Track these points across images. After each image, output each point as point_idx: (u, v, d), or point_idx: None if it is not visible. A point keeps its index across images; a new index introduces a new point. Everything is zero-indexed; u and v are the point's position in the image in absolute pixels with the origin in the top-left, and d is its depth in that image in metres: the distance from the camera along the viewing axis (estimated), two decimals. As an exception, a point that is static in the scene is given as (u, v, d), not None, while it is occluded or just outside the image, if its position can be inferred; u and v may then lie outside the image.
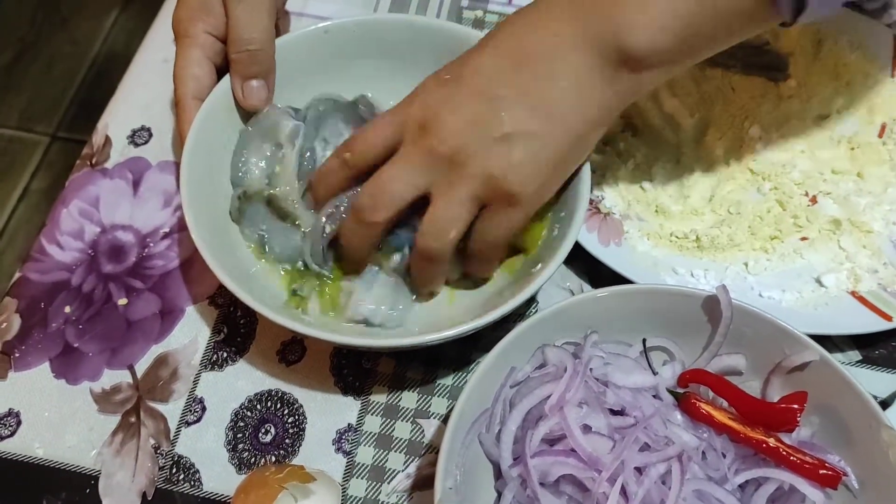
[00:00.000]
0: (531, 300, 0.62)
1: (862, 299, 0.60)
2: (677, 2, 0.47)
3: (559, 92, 0.50)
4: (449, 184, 0.51)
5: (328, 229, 0.57)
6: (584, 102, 0.51)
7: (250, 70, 0.60)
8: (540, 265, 0.55)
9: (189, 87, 0.60)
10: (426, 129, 0.51)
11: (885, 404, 0.58)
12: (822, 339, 0.52)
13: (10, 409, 0.58)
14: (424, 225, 0.53)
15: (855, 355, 0.61)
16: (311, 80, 0.65)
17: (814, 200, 0.65)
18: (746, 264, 0.62)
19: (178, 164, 0.68)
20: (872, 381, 0.59)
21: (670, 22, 0.47)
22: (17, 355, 0.60)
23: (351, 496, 0.55)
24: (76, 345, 0.61)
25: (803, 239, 0.63)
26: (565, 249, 0.54)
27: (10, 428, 0.58)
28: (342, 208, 0.56)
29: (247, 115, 0.62)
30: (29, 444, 0.57)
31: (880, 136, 0.68)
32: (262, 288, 0.58)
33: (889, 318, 0.58)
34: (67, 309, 0.62)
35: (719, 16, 0.47)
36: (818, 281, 0.61)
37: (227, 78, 0.61)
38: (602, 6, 0.49)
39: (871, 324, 0.58)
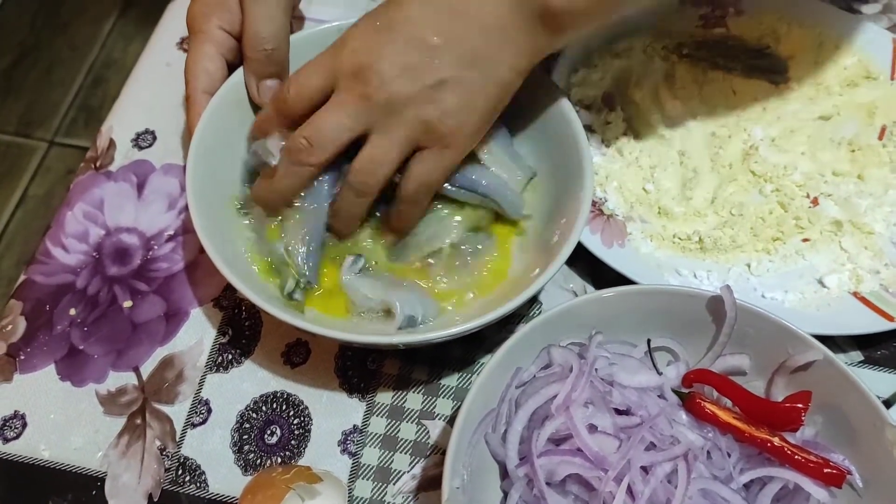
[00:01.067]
0: (533, 301, 0.62)
1: (864, 300, 0.60)
2: None
3: (489, 41, 0.53)
4: (385, 127, 0.53)
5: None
6: (512, 52, 0.53)
7: (267, 70, 0.60)
8: (539, 269, 0.55)
9: (201, 81, 0.60)
10: (360, 75, 0.53)
11: (887, 404, 0.58)
12: (825, 340, 0.52)
13: (15, 412, 0.59)
14: (358, 162, 0.55)
15: (857, 356, 0.61)
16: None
17: (815, 202, 0.65)
18: (749, 265, 0.63)
19: (182, 168, 0.69)
20: (875, 381, 0.60)
21: None
22: (22, 357, 0.60)
23: (357, 497, 0.56)
24: (81, 347, 0.61)
25: (805, 240, 0.64)
26: (566, 252, 0.54)
27: (15, 430, 0.58)
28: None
29: (256, 110, 0.62)
30: (35, 447, 0.57)
31: (880, 138, 0.69)
32: (266, 286, 0.58)
33: (891, 319, 0.59)
34: (72, 311, 0.62)
35: None
36: (820, 282, 0.62)
37: (237, 73, 0.61)
38: None
39: (873, 324, 0.59)
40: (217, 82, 0.60)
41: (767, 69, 0.72)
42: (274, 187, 0.57)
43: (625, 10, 0.55)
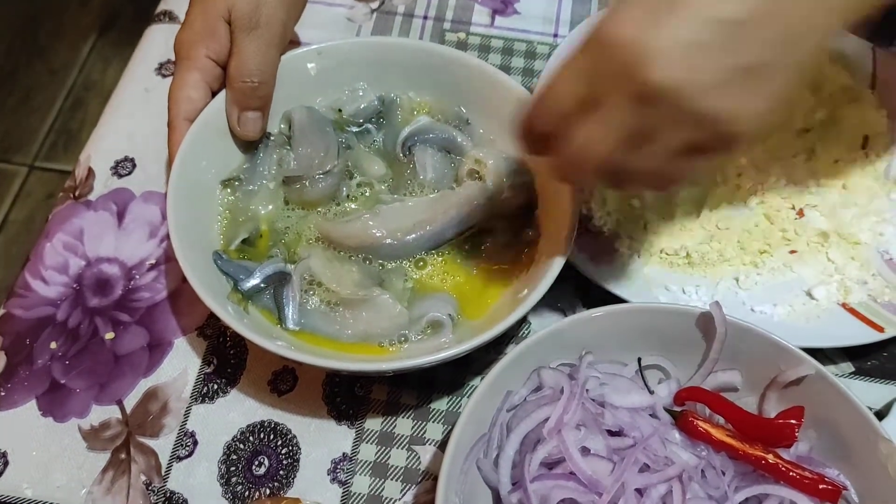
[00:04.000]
0: (523, 322, 0.62)
1: (853, 311, 0.60)
2: None
3: (801, 10, 0.40)
4: (661, 133, 0.42)
5: None
6: (826, 18, 0.41)
7: (250, 103, 0.60)
8: (527, 290, 0.55)
9: (182, 108, 0.59)
10: (634, 71, 0.40)
11: (879, 415, 0.58)
12: (815, 352, 0.52)
13: (-4, 450, 0.57)
14: (634, 173, 0.45)
15: (848, 367, 0.61)
16: (304, 99, 0.65)
17: (801, 213, 0.65)
18: (737, 279, 0.62)
19: (163, 195, 0.68)
20: (866, 393, 0.60)
21: None
22: (2, 394, 0.59)
23: (348, 527, 0.55)
24: (63, 381, 0.60)
25: (792, 252, 0.63)
26: (554, 272, 0.54)
27: (-4, 469, 0.57)
28: None
29: (236, 138, 0.62)
30: (17, 485, 0.56)
31: (863, 147, 0.69)
32: (252, 315, 0.57)
33: (881, 329, 0.58)
34: (53, 345, 0.61)
35: None
36: (809, 294, 0.62)
37: (218, 99, 0.60)
38: None
39: (863, 335, 0.59)
40: (199, 110, 0.60)
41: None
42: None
43: None
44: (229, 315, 0.52)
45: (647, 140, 0.42)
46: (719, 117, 0.41)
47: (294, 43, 0.76)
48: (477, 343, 0.51)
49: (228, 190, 0.62)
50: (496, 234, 0.61)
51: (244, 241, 0.60)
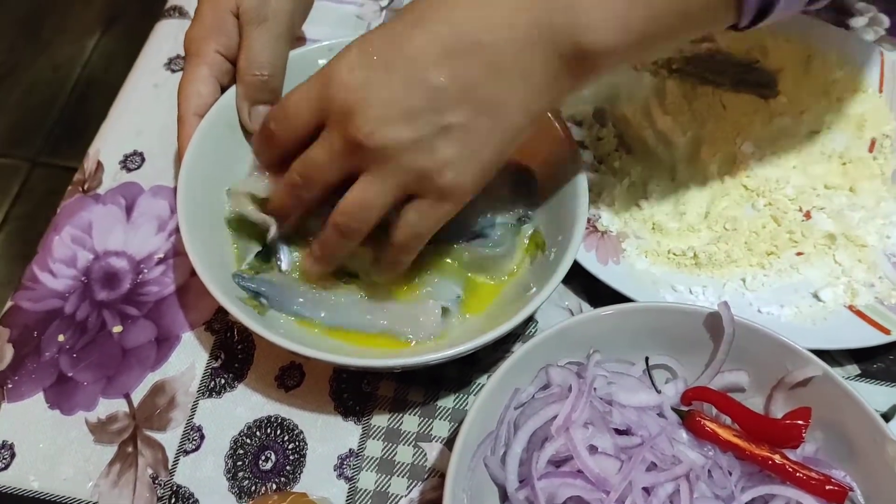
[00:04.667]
0: (530, 320, 0.62)
1: (859, 313, 0.60)
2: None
3: (504, 86, 0.47)
4: (377, 171, 0.49)
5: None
6: (530, 98, 0.48)
7: (260, 95, 0.60)
8: (535, 287, 0.55)
9: (192, 103, 0.59)
10: (351, 116, 0.47)
11: (885, 417, 0.58)
12: (821, 354, 0.52)
13: (3, 442, 0.57)
14: (346, 203, 0.51)
15: (854, 369, 0.61)
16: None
17: (808, 215, 0.65)
18: (744, 280, 0.62)
19: (172, 189, 0.68)
20: (872, 395, 0.60)
21: (629, 19, 0.44)
22: (10, 386, 0.59)
23: (354, 523, 0.55)
24: (70, 374, 0.60)
25: (799, 254, 0.64)
26: (563, 270, 0.54)
27: (4, 461, 0.57)
28: None
29: (247, 132, 0.62)
30: (24, 477, 0.56)
31: (870, 150, 0.69)
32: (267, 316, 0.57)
33: (887, 332, 0.59)
34: (61, 337, 0.61)
35: (680, 15, 0.45)
36: (815, 296, 0.62)
37: (227, 94, 0.60)
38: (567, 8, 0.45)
39: (870, 337, 0.59)
40: (209, 105, 0.60)
41: (756, 83, 0.73)
42: (272, 206, 0.57)
43: (667, 46, 0.48)
44: (237, 308, 0.52)
45: (366, 171, 0.49)
46: (422, 171, 0.48)
47: (300, 40, 0.76)
48: (485, 341, 0.51)
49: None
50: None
51: (258, 255, 0.59)
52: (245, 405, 0.59)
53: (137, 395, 0.59)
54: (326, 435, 0.58)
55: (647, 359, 0.55)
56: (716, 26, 0.48)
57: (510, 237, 0.60)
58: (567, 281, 0.64)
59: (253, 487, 0.56)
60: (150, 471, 0.56)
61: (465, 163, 0.48)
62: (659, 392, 0.54)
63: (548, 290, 0.53)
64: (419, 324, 0.56)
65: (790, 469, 0.49)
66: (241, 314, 0.51)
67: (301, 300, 0.57)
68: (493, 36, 0.46)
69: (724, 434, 0.50)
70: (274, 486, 0.56)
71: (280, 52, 0.60)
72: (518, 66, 0.46)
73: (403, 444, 0.58)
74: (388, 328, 0.57)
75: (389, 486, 0.56)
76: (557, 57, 0.46)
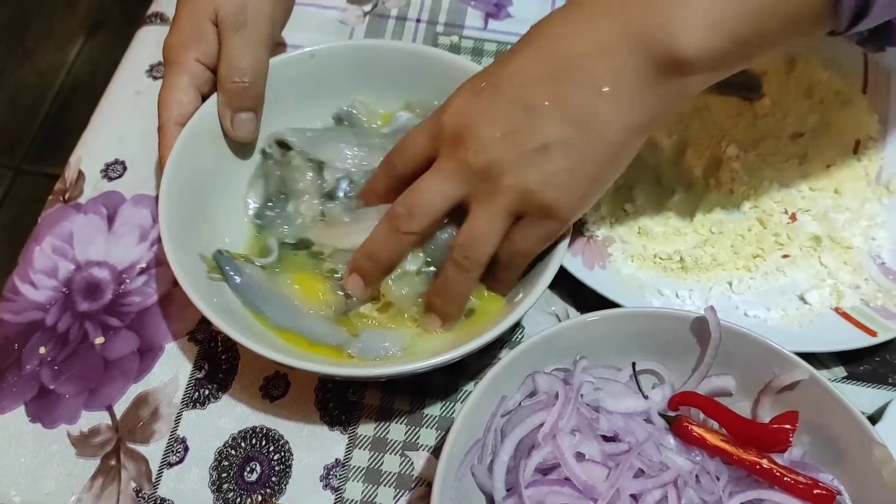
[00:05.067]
0: (516, 326, 0.62)
1: (845, 315, 0.60)
2: (731, 4, 0.43)
3: (599, 99, 0.47)
4: (485, 196, 0.50)
5: None
6: (626, 110, 0.47)
7: (242, 103, 0.60)
8: (522, 293, 0.54)
9: (173, 112, 0.59)
10: (460, 140, 0.50)
11: (872, 420, 0.58)
12: (808, 357, 0.52)
13: (-16, 456, 0.57)
14: (461, 236, 0.52)
15: (840, 371, 0.61)
16: (297, 103, 0.65)
17: (793, 218, 0.65)
18: (730, 283, 0.62)
19: (154, 198, 0.67)
20: (858, 397, 0.60)
21: (724, 20, 0.44)
22: (-10, 399, 0.58)
23: (341, 533, 0.54)
24: (52, 387, 0.59)
25: (785, 256, 0.63)
26: (549, 276, 0.54)
27: (-16, 475, 0.56)
28: None
29: (229, 140, 0.62)
30: (5, 492, 0.55)
31: (855, 152, 0.69)
32: (243, 318, 0.57)
33: (873, 334, 0.59)
34: (42, 350, 0.60)
35: (777, 16, 0.44)
36: (802, 298, 0.62)
37: (209, 102, 0.60)
38: (647, 2, 0.45)
39: (856, 339, 0.59)
40: (190, 114, 0.59)
41: (741, 86, 0.72)
42: (373, 256, 0.55)
43: (766, 52, 0.47)
44: (220, 319, 0.51)
45: (476, 198, 0.51)
46: (525, 189, 0.49)
47: (281, 46, 0.76)
48: (471, 348, 0.51)
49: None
50: None
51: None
52: (229, 416, 0.58)
53: (120, 408, 0.58)
54: (312, 445, 0.57)
55: (633, 364, 0.55)
56: (814, 30, 0.47)
57: None
58: (553, 286, 0.63)
59: (238, 499, 0.55)
60: (133, 484, 0.56)
61: (567, 179, 0.49)
62: (646, 398, 0.53)
63: (534, 296, 0.53)
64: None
65: (778, 473, 0.49)
66: (224, 324, 0.51)
67: (271, 304, 0.57)
68: (582, 49, 0.47)
69: (712, 439, 0.50)
70: (259, 498, 0.55)
71: (260, 58, 0.60)
72: (610, 78, 0.47)
73: (390, 454, 0.57)
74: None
75: (376, 495, 0.56)
76: (651, 65, 0.46)
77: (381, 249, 0.54)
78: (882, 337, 0.58)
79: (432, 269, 0.56)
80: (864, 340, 0.59)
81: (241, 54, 0.58)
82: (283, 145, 0.63)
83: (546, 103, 0.48)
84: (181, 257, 0.54)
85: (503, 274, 0.55)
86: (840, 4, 0.43)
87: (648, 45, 0.45)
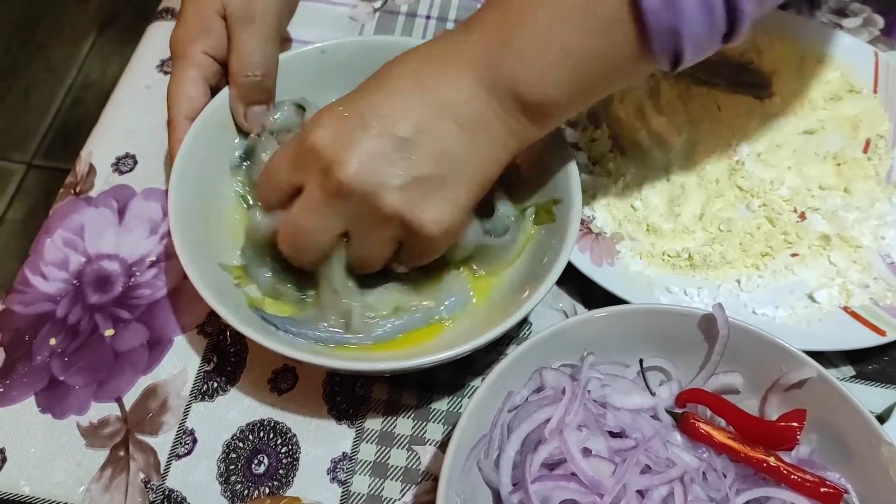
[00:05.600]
0: (524, 322, 0.62)
1: (854, 314, 0.60)
2: (566, 59, 0.47)
3: (466, 136, 0.49)
4: (365, 227, 0.51)
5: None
6: (492, 144, 0.50)
7: (254, 96, 0.60)
8: (529, 290, 0.54)
9: (182, 106, 0.59)
10: (329, 171, 0.48)
11: (881, 419, 0.58)
12: (816, 355, 0.52)
13: (-6, 446, 0.57)
14: (351, 259, 0.53)
15: (848, 371, 0.61)
16: (307, 98, 0.65)
17: (803, 216, 0.65)
18: (739, 281, 0.62)
19: (164, 192, 0.68)
20: (867, 396, 0.60)
21: (555, 75, 0.48)
22: (1, 390, 0.59)
23: (347, 527, 0.54)
24: (62, 378, 0.59)
25: (794, 255, 0.63)
26: (556, 272, 0.53)
27: (-5, 465, 0.56)
28: None
29: (240, 132, 0.62)
30: (15, 482, 0.56)
31: (865, 151, 0.69)
32: (252, 314, 0.57)
33: (882, 333, 0.58)
34: (53, 341, 0.61)
35: (601, 66, 0.48)
36: (810, 297, 0.61)
37: (219, 96, 0.60)
38: (500, 58, 0.48)
39: (865, 339, 0.59)
40: (199, 108, 0.59)
41: (751, 84, 0.72)
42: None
43: (601, 95, 0.52)
44: (229, 313, 0.52)
45: (355, 230, 0.51)
46: (403, 216, 0.49)
47: (287, 41, 0.76)
48: (478, 343, 0.51)
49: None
50: None
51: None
52: (238, 409, 0.59)
53: (129, 399, 0.59)
54: (320, 438, 0.58)
55: (641, 361, 0.55)
56: (641, 74, 0.54)
57: (514, 226, 0.60)
58: (561, 283, 0.64)
59: (246, 491, 0.56)
60: (141, 475, 0.56)
61: (440, 209, 0.50)
62: (653, 394, 0.53)
63: (542, 291, 0.53)
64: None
65: (785, 471, 0.48)
66: (232, 318, 0.51)
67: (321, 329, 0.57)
68: (446, 91, 0.49)
69: (719, 436, 0.50)
70: (267, 490, 0.56)
71: (271, 51, 0.60)
72: (476, 118, 0.49)
73: (397, 448, 0.57)
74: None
75: (383, 489, 0.56)
76: (510, 107, 0.49)
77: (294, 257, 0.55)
78: (891, 336, 0.58)
79: None
80: (873, 339, 0.58)
81: (252, 48, 0.59)
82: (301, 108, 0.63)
83: (413, 138, 0.48)
84: (190, 251, 0.54)
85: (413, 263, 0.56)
86: (651, 49, 0.46)
87: (504, 94, 0.49)
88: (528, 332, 0.63)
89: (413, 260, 0.55)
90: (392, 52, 0.64)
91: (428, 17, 0.80)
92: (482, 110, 0.49)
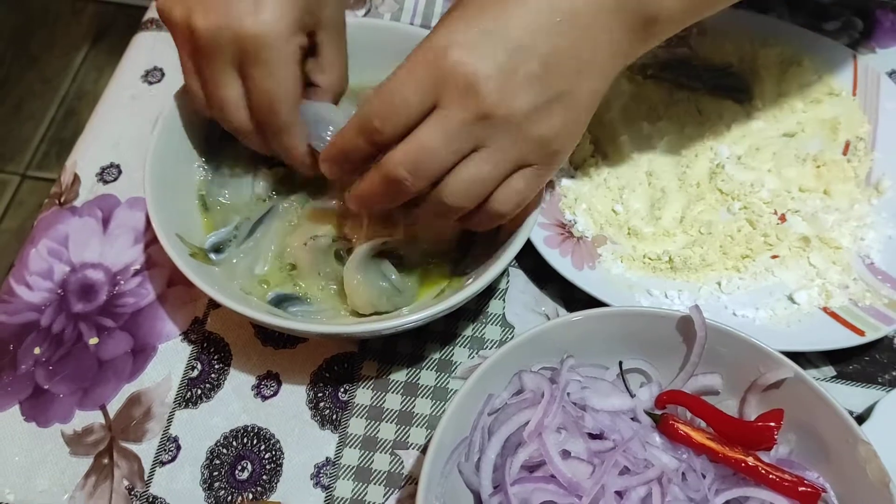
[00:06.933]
0: (492, 292, 0.63)
1: (834, 315, 0.60)
2: None
3: (597, 50, 0.49)
4: (498, 145, 0.48)
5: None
6: (613, 60, 0.50)
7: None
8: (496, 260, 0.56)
9: (293, 110, 0.55)
10: (471, 89, 0.46)
11: (860, 419, 0.58)
12: (797, 356, 0.52)
13: (-22, 455, 0.57)
14: (457, 182, 0.49)
15: (829, 371, 0.61)
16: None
17: (783, 219, 0.65)
18: (719, 284, 0.63)
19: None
20: (848, 397, 0.60)
21: None
22: (-15, 399, 0.59)
23: (330, 531, 0.55)
24: (46, 386, 0.60)
25: (774, 257, 0.64)
26: (523, 237, 0.56)
27: (-21, 474, 0.57)
28: None
29: (205, 125, 0.62)
30: (-1, 490, 0.56)
31: (844, 153, 0.69)
32: (250, 298, 0.58)
33: (861, 333, 0.59)
34: (37, 350, 0.61)
35: None
36: (790, 298, 0.62)
37: (176, 95, 0.61)
38: None
39: (844, 339, 0.59)
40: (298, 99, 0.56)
41: (732, 88, 0.73)
42: (366, 204, 0.53)
43: (704, 16, 0.53)
44: (196, 274, 0.53)
45: (487, 146, 0.48)
46: (541, 136, 0.48)
47: None
48: (442, 308, 0.53)
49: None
50: None
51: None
52: (221, 415, 0.59)
53: (113, 407, 0.59)
54: (303, 444, 0.58)
55: (620, 363, 0.55)
56: None
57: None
58: (543, 286, 0.64)
59: (229, 497, 0.56)
60: (126, 482, 0.56)
61: (573, 126, 0.51)
62: (633, 396, 0.54)
63: (511, 251, 0.55)
64: None
65: (763, 471, 0.49)
66: (204, 284, 0.53)
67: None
68: (583, 5, 0.48)
69: (698, 437, 0.50)
70: (250, 496, 0.56)
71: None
72: (605, 32, 0.49)
73: (380, 452, 0.58)
74: None
75: (366, 493, 0.56)
76: (632, 22, 0.49)
77: (373, 202, 0.52)
78: (870, 336, 0.59)
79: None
80: (853, 340, 0.59)
81: (344, 57, 0.59)
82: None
83: (554, 52, 0.47)
84: (164, 217, 0.56)
85: (490, 222, 0.54)
86: None
87: (631, 7, 0.49)
88: (509, 336, 0.63)
89: (525, 190, 0.52)
90: (386, 35, 0.65)
91: (411, 25, 0.81)
92: (610, 19, 0.49)
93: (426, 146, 0.47)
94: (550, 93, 0.48)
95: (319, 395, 0.60)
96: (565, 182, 0.67)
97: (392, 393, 0.60)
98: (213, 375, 0.60)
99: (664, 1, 0.49)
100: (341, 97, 0.60)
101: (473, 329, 0.63)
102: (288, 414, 0.59)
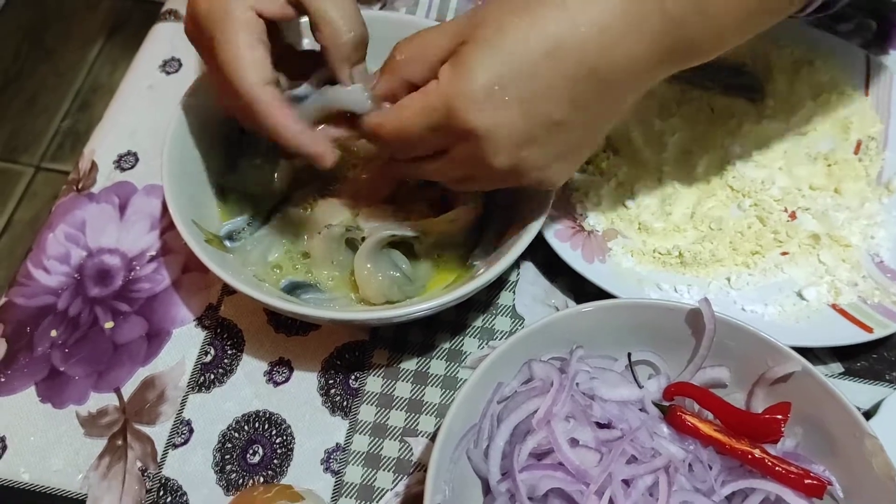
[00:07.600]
0: (502, 283, 0.64)
1: (843, 312, 0.61)
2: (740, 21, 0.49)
3: (618, 104, 0.51)
4: (496, 182, 0.54)
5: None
6: (623, 105, 0.52)
7: (356, 55, 0.54)
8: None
9: (252, 74, 0.51)
10: (483, 156, 0.49)
11: (867, 416, 0.58)
12: (805, 352, 0.53)
13: (-5, 434, 0.58)
14: (422, 169, 0.55)
15: (837, 367, 0.62)
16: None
17: (793, 216, 0.66)
18: (729, 279, 0.63)
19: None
20: (855, 393, 0.60)
21: (731, 34, 0.49)
22: (2, 380, 0.60)
23: (340, 516, 0.55)
24: (62, 368, 0.61)
25: (784, 254, 0.64)
26: (533, 230, 0.57)
27: (-5, 453, 0.57)
28: None
29: (218, 117, 0.62)
30: (14, 469, 0.57)
31: (856, 152, 0.69)
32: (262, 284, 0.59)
33: (870, 330, 0.59)
34: (53, 333, 0.62)
35: (761, 22, 0.51)
36: (799, 294, 0.62)
37: (194, 84, 0.61)
38: (683, 29, 0.47)
39: (853, 336, 0.59)
40: (270, 73, 0.52)
41: (745, 87, 0.73)
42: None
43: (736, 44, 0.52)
44: (211, 260, 0.54)
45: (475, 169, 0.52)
46: (543, 183, 0.53)
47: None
48: (451, 298, 0.54)
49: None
50: None
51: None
52: (234, 400, 0.60)
53: (128, 390, 0.60)
54: (314, 429, 0.59)
55: (629, 354, 0.55)
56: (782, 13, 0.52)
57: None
58: (553, 279, 0.65)
59: (240, 480, 0.57)
60: (139, 464, 0.57)
61: (572, 169, 0.55)
62: (641, 387, 0.54)
63: (517, 250, 0.56)
64: None
65: (770, 463, 0.49)
66: (212, 264, 0.54)
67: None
68: (616, 74, 0.48)
69: (705, 429, 0.51)
70: (261, 480, 0.57)
71: (354, 9, 0.54)
72: (634, 89, 0.50)
73: (390, 439, 0.58)
74: None
75: (375, 479, 0.57)
76: (667, 54, 0.48)
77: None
78: (878, 333, 0.59)
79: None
80: (861, 337, 0.59)
81: (343, 7, 0.53)
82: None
83: (570, 117, 0.49)
84: (183, 203, 0.57)
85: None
86: None
87: (672, 60, 0.49)
88: (519, 327, 0.63)
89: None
90: (395, 28, 0.64)
91: (426, 19, 0.81)
92: (643, 78, 0.50)
93: (429, 172, 0.54)
94: (562, 149, 0.51)
95: (330, 381, 0.60)
96: (577, 176, 0.67)
97: (402, 381, 0.60)
98: (226, 361, 0.61)
99: (701, 45, 0.49)
100: (359, 46, 0.55)
101: (483, 320, 0.63)
102: (299, 400, 0.60)
